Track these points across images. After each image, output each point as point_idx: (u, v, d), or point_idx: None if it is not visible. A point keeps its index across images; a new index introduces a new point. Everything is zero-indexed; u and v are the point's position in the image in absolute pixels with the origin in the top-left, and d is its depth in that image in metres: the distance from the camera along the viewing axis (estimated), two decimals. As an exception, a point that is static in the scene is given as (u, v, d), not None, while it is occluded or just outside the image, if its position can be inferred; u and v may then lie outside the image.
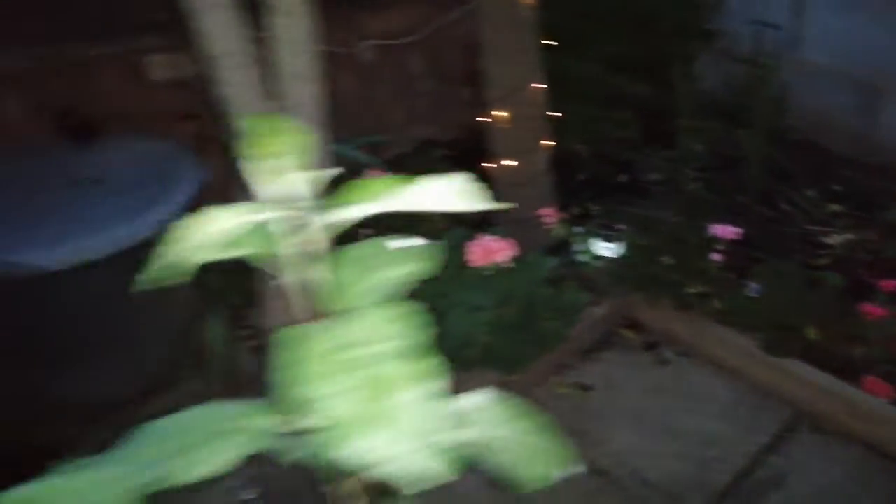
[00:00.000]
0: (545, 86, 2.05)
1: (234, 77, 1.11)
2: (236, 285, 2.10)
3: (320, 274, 0.54)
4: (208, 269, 2.00)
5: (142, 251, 1.78)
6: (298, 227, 0.54)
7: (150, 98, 2.37)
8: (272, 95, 1.15)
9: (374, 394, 0.40)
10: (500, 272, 1.69)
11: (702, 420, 1.90)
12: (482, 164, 2.17)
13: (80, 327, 1.88)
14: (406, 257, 0.58)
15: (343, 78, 2.70)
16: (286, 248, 0.54)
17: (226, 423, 0.53)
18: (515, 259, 1.71)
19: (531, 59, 2.02)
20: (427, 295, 1.79)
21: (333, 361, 0.43)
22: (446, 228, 1.98)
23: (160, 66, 2.35)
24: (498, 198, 2.21)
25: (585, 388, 2.00)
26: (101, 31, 2.26)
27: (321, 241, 0.55)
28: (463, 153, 2.50)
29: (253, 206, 0.55)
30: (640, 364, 2.08)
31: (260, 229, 0.54)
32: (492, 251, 1.67)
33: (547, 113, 2.08)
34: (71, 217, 1.81)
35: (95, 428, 1.97)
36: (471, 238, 1.88)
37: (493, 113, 2.06)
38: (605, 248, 2.13)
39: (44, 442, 1.93)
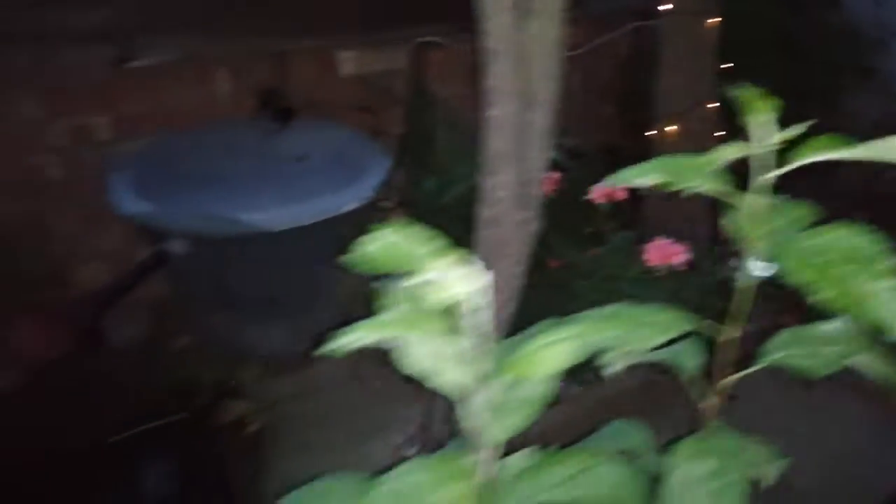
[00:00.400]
0: (717, 105, 2.15)
1: (500, 70, 1.27)
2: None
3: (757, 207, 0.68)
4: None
5: (342, 222, 2.00)
6: (762, 169, 0.69)
7: (336, 90, 2.60)
8: (523, 90, 1.31)
9: (853, 283, 0.54)
10: (672, 275, 1.80)
11: (850, 441, 1.94)
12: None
13: (279, 285, 2.10)
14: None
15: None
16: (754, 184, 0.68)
17: (646, 318, 0.67)
18: (689, 265, 1.82)
19: (708, 80, 2.13)
20: (601, 290, 1.93)
21: (815, 259, 0.58)
22: (610, 231, 2.10)
23: (349, 63, 2.58)
24: (654, 210, 2.31)
25: (731, 396, 2.07)
26: (302, 28, 2.51)
27: (769, 183, 0.70)
28: (611, 164, 2.59)
29: (736, 147, 0.70)
30: (786, 383, 2.13)
31: (719, 169, 0.69)
32: (669, 253, 1.79)
33: (715, 133, 2.18)
34: (283, 186, 2.04)
35: (273, 379, 2.20)
36: (634, 241, 2.00)
37: (663, 128, 2.17)
38: (759, 268, 2.20)
39: (227, 386, 2.17)
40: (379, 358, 2.12)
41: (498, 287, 1.53)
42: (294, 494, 0.65)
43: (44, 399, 2.10)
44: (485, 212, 1.46)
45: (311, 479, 0.67)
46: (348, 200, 1.99)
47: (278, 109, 2.36)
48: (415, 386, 2.24)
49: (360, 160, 2.19)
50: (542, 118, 1.38)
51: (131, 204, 1.95)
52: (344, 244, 2.12)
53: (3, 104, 2.15)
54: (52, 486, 1.90)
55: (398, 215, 2.50)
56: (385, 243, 0.60)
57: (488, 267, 1.47)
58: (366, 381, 2.22)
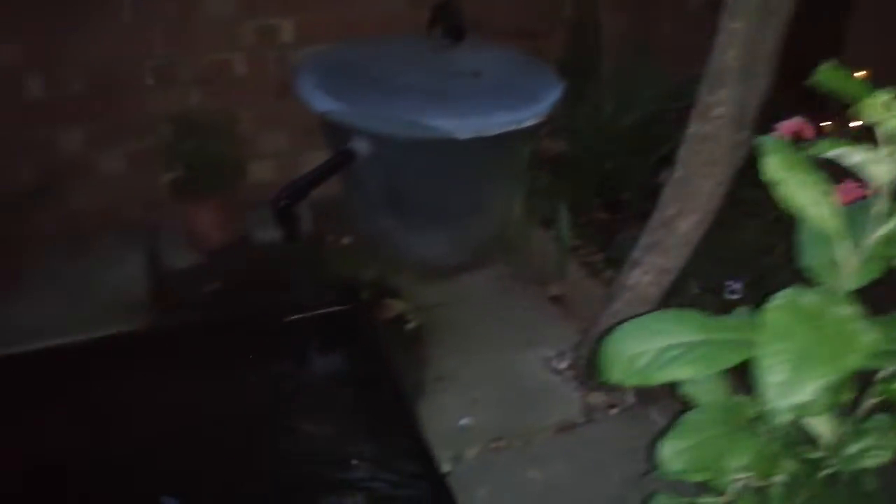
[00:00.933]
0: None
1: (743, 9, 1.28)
2: (564, 189, 2.32)
3: None
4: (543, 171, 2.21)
5: (515, 139, 2.05)
6: None
7: (498, 10, 2.61)
8: (764, 4, 1.31)
9: None
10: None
11: None
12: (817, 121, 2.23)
13: (446, 195, 2.18)
14: None
15: (668, 23, 2.82)
16: None
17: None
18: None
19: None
20: (771, 230, 1.93)
21: None
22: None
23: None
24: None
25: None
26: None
27: None
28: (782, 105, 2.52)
29: None
30: None
31: None
32: (857, 196, 1.76)
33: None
34: (462, 99, 2.10)
35: (428, 284, 2.31)
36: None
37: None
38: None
39: (387, 285, 2.29)
40: (526, 278, 2.19)
41: (696, 206, 1.56)
42: (636, 321, 0.72)
43: (223, 278, 2.28)
44: (699, 128, 1.48)
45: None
46: (528, 117, 2.04)
47: (450, 26, 2.40)
48: (561, 308, 2.30)
49: (532, 80, 2.23)
50: (772, 36, 1.38)
51: (323, 101, 2.06)
52: (511, 162, 2.17)
53: (201, 2, 2.28)
54: (233, 351, 2.08)
55: (552, 141, 2.53)
56: (838, 76, 0.64)
57: (691, 184, 1.51)
58: (514, 298, 2.30)
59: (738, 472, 0.74)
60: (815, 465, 0.76)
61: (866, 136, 0.77)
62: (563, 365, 2.03)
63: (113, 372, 1.99)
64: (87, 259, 2.30)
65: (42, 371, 1.98)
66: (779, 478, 0.76)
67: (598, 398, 1.92)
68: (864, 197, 1.86)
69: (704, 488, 0.83)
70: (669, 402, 1.88)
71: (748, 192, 2.06)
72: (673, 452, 0.73)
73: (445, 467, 1.72)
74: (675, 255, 1.61)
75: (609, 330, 0.76)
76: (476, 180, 2.18)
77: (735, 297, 1.93)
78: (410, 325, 2.15)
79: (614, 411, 1.89)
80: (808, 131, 2.09)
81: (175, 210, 2.35)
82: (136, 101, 2.35)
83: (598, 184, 2.34)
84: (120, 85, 2.31)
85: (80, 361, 2.02)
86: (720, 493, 0.81)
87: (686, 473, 0.73)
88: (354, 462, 1.79)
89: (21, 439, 1.81)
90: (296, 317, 2.14)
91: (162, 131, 2.32)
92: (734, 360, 0.66)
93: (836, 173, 0.79)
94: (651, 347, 0.69)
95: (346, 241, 2.42)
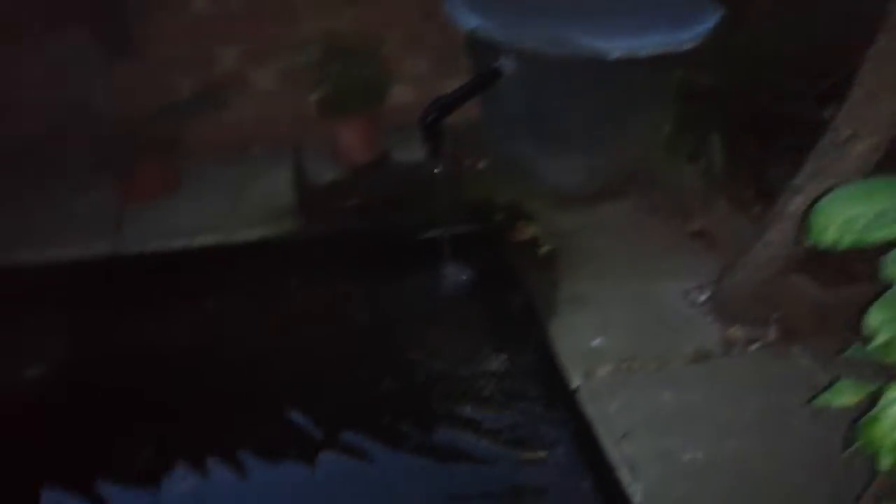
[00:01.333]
0: None
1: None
2: (714, 121, 2.22)
3: None
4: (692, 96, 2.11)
5: (668, 63, 1.97)
6: None
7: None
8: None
9: None
10: None
11: None
12: None
13: (588, 118, 2.15)
14: None
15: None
16: None
17: None
18: None
19: None
20: None
21: None
22: None
23: None
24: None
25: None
26: None
27: None
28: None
29: None
30: None
31: None
32: None
33: None
34: (615, 20, 2.04)
35: (562, 209, 2.30)
36: None
37: None
38: None
39: (521, 209, 2.31)
40: (667, 211, 2.10)
41: (875, 128, 1.47)
42: (849, 187, 0.69)
43: (364, 194, 2.36)
44: (888, 43, 1.37)
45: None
46: (683, 40, 1.97)
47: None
48: (702, 243, 2.22)
49: (687, 6, 2.13)
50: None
51: (471, 19, 2.06)
52: (659, 89, 2.08)
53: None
54: (371, 263, 2.18)
55: (704, 71, 2.42)
56: None
57: (872, 104, 1.41)
58: (653, 230, 2.25)
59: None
60: None
61: None
62: (703, 298, 1.98)
63: (257, 273, 2.14)
64: (239, 167, 2.45)
65: (196, 267, 2.15)
66: None
67: (737, 332, 1.86)
68: None
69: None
70: (813, 340, 1.81)
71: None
72: (881, 320, 0.71)
73: (576, 381, 1.74)
74: (845, 182, 1.52)
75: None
76: (621, 106, 2.14)
77: None
78: (544, 249, 2.16)
79: (754, 346, 1.84)
80: None
81: (321, 126, 2.45)
82: (289, 20, 2.44)
83: (750, 117, 2.24)
84: (275, 4, 2.41)
85: (228, 261, 2.18)
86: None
87: (892, 346, 0.71)
88: (487, 363, 1.85)
89: (179, 328, 1.99)
90: (431, 234, 2.19)
91: (311, 51, 2.41)
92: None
93: None
94: (869, 210, 0.67)
95: (482, 165, 2.45)
